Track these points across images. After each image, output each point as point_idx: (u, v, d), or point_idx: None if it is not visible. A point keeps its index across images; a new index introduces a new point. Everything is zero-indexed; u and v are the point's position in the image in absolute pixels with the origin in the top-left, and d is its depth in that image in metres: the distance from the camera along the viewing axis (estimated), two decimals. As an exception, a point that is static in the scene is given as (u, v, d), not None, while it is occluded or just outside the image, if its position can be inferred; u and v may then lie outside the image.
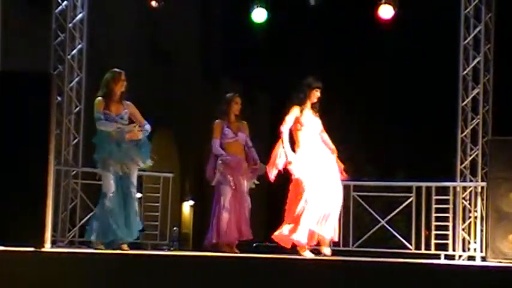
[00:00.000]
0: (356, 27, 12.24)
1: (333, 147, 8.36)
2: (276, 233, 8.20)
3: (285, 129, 8.25)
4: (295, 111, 8.29)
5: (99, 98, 8.24)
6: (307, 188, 8.10)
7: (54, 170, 8.76)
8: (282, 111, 8.37)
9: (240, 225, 9.01)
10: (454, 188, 9.89)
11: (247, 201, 9.10)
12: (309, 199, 8.05)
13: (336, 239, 8.35)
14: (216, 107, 9.38)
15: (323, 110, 8.50)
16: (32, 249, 7.22)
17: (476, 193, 9.76)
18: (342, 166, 8.29)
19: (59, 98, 9.68)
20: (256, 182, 9.23)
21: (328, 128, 8.50)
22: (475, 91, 9.91)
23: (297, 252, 8.09)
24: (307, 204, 8.04)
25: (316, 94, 8.40)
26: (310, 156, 8.24)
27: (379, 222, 10.17)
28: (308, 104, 8.39)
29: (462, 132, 9.93)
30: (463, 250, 9.75)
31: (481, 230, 9.56)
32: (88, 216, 9.44)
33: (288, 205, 8.23)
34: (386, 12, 10.37)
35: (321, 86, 8.41)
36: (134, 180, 8.36)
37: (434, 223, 9.90)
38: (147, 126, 8.33)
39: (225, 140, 9.16)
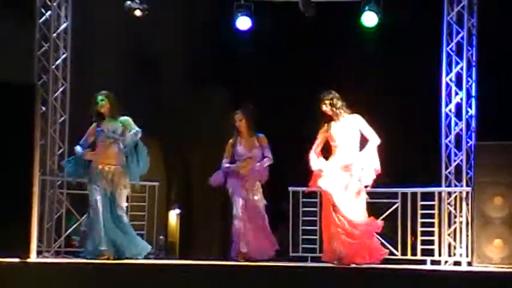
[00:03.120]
0: (340, 34, 12.28)
1: None
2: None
3: None
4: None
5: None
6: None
7: (39, 180, 8.73)
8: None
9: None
10: (439, 193, 9.92)
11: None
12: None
13: None
14: (199, 116, 9.44)
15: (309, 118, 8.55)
16: (17, 259, 7.20)
17: (461, 198, 9.79)
18: None
19: (43, 108, 9.66)
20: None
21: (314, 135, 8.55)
22: (458, 96, 9.97)
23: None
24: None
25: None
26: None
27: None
28: None
29: (446, 137, 9.98)
30: (449, 255, 9.78)
31: (467, 235, 9.59)
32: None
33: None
34: (370, 19, 10.41)
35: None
36: (122, 203, 8.59)
37: (420, 228, 9.92)
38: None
39: (239, 158, 9.13)
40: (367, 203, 8.53)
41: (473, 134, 9.87)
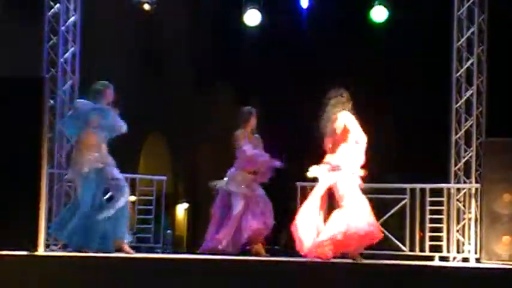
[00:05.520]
0: (349, 29, 12.27)
1: None
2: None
3: None
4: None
5: None
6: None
7: (47, 173, 8.73)
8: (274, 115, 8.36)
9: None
10: (448, 189, 9.89)
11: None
12: None
13: None
14: (206, 111, 9.43)
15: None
16: (25, 252, 7.21)
17: (470, 195, 9.76)
18: None
19: (51, 101, 9.64)
20: None
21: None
22: (469, 93, 9.93)
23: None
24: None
25: None
26: None
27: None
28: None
29: (456, 133, 9.94)
30: (457, 252, 9.75)
31: (475, 232, 9.57)
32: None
33: None
34: (379, 14, 10.38)
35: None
36: None
37: (428, 225, 9.90)
38: None
39: None
40: (376, 199, 8.46)
41: (483, 131, 9.83)
